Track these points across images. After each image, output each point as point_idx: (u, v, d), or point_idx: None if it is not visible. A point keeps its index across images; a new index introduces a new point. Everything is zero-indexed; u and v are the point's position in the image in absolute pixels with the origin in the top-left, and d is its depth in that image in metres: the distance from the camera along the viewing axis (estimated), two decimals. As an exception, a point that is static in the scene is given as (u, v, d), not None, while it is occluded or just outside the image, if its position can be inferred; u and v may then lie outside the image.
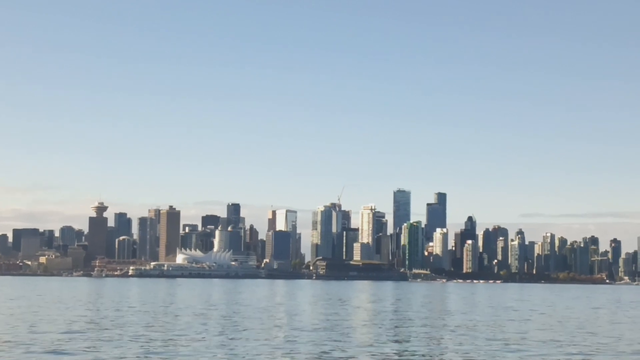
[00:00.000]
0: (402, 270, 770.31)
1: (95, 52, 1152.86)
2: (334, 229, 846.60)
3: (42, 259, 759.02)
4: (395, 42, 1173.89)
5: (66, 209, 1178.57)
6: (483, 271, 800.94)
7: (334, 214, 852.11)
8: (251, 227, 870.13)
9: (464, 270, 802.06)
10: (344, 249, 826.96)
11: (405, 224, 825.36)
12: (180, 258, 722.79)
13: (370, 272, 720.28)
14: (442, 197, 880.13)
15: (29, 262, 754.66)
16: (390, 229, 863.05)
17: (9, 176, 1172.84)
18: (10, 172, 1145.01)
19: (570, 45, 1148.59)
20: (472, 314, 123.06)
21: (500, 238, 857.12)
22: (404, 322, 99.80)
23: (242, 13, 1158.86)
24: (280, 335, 77.23)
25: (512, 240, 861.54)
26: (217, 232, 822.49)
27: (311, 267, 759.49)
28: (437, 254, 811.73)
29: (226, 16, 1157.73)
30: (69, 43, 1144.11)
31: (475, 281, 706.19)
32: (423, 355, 61.33)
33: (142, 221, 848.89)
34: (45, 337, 70.56)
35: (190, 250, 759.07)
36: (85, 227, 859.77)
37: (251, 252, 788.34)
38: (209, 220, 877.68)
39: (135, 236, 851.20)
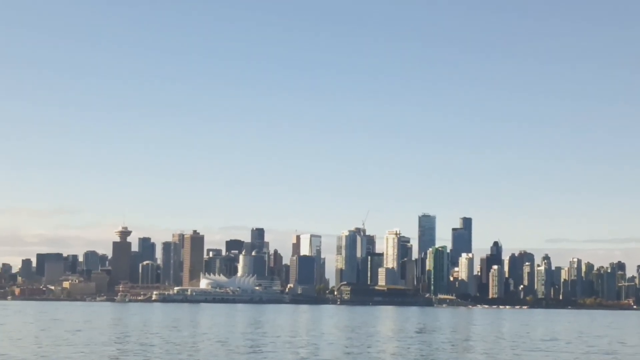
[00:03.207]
0: (427, 295, 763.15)
1: (119, 74, 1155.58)
2: (358, 254, 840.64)
3: (66, 284, 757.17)
4: (419, 65, 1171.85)
5: (90, 233, 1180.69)
6: (509, 296, 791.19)
7: (358, 238, 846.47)
8: (275, 251, 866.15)
9: (490, 296, 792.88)
10: (369, 274, 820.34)
11: (430, 249, 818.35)
12: (204, 283, 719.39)
13: (395, 297, 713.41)
14: (467, 221, 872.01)
15: (53, 287, 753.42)
16: (415, 254, 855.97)
17: (33, 200, 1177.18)
18: (34, 196, 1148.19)
19: (594, 69, 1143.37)
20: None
21: (527, 263, 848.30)
22: None
23: (268, 37, 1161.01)
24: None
25: (538, 265, 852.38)
26: (241, 257, 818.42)
27: (335, 292, 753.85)
28: (462, 279, 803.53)
29: (250, 39, 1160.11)
30: (90, 66, 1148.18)
31: (501, 307, 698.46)
32: None
33: (166, 246, 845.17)
34: None
35: (214, 275, 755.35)
36: (109, 252, 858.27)
37: (275, 277, 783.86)
38: (233, 245, 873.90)
39: (159, 261, 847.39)
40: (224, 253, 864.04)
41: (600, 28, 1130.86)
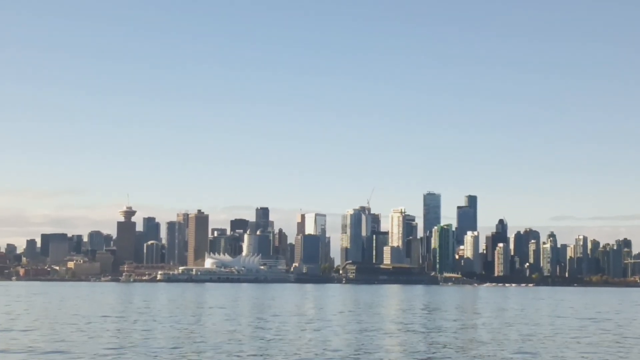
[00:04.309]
0: (432, 273, 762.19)
1: (121, 56, 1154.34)
2: (363, 233, 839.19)
3: (70, 264, 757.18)
4: (423, 45, 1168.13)
5: (94, 213, 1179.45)
6: (515, 274, 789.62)
7: (363, 217, 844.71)
8: (280, 231, 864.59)
9: (496, 274, 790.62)
10: (374, 253, 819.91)
11: (435, 227, 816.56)
12: (208, 262, 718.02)
13: (401, 275, 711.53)
14: (472, 199, 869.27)
15: (57, 268, 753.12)
16: (420, 232, 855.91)
17: (38, 181, 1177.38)
18: (39, 177, 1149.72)
19: (599, 48, 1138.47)
20: None
21: (532, 241, 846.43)
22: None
23: (266, 18, 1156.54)
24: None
25: (544, 243, 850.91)
26: (245, 236, 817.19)
27: (341, 271, 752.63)
28: (468, 257, 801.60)
29: (248, 21, 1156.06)
30: (95, 48, 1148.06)
31: (507, 285, 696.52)
32: None
33: (171, 225, 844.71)
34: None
35: (219, 254, 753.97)
36: (113, 232, 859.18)
37: (280, 256, 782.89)
38: (238, 224, 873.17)
39: (164, 241, 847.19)
40: (228, 232, 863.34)
41: (599, 6, 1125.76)
